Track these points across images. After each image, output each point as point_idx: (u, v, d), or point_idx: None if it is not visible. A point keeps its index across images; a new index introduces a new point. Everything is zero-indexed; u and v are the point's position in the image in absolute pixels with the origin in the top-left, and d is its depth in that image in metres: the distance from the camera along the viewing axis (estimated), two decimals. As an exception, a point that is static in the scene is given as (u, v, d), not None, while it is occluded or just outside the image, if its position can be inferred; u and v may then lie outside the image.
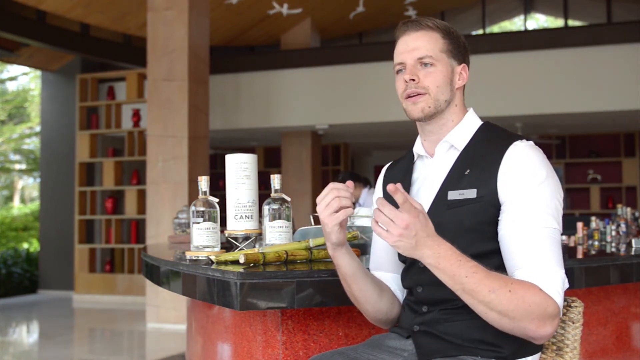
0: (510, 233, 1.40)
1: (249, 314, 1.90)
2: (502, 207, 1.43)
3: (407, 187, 1.61)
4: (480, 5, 10.08)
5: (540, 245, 1.37)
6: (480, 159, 1.48)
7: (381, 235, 1.33)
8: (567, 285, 1.40)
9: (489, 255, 1.44)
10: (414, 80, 1.52)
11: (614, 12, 9.29)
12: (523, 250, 1.38)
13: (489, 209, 1.44)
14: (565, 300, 1.51)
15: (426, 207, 1.51)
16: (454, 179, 1.50)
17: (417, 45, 1.53)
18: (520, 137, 1.49)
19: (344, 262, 1.51)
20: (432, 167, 1.58)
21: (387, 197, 1.64)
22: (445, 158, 1.56)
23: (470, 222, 1.44)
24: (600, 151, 10.55)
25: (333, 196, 1.42)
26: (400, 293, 1.65)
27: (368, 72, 8.29)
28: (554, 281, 1.35)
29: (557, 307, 1.34)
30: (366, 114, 8.42)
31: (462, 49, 1.57)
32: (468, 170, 1.48)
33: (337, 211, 1.42)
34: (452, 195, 1.47)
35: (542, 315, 1.32)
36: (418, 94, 1.53)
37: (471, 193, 1.45)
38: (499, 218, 1.43)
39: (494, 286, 1.32)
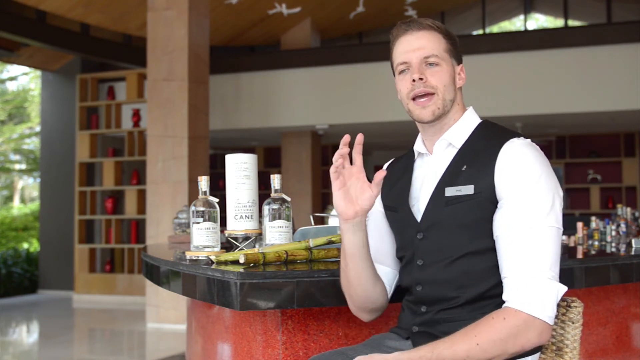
0: (504, 234, 1.40)
1: (249, 314, 1.90)
2: (498, 204, 1.43)
3: (407, 184, 1.60)
4: (480, 6, 10.08)
5: (532, 249, 1.36)
6: (476, 156, 1.48)
7: None
8: (563, 290, 1.38)
9: (486, 253, 1.44)
10: (421, 79, 1.51)
11: (614, 12, 9.28)
12: (514, 255, 1.37)
13: (487, 206, 1.43)
14: (565, 300, 1.50)
15: (424, 204, 1.52)
16: (450, 176, 1.50)
17: (421, 45, 1.52)
18: (517, 135, 1.49)
19: (350, 241, 1.49)
20: (431, 164, 1.58)
21: (385, 194, 1.65)
22: (443, 155, 1.56)
23: (468, 218, 1.44)
24: (600, 151, 10.54)
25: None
26: (390, 289, 1.64)
27: (368, 72, 8.28)
28: (540, 294, 1.34)
29: (537, 322, 1.33)
30: (366, 114, 8.42)
31: (458, 49, 1.59)
32: (465, 167, 1.48)
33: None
34: (449, 191, 1.47)
35: (520, 336, 1.33)
36: (427, 94, 1.51)
37: (468, 189, 1.45)
38: (494, 216, 1.43)
39: (464, 346, 1.32)
